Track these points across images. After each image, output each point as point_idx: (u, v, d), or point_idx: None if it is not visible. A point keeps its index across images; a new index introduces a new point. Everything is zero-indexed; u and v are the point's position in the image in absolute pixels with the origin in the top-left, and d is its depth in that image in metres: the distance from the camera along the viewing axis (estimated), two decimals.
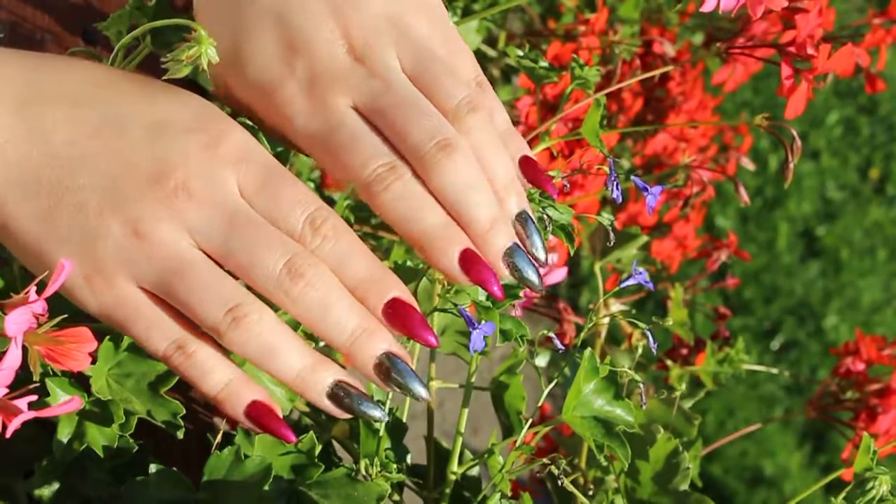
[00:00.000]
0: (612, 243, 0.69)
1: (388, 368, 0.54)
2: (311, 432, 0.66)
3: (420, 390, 0.54)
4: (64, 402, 0.46)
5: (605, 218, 0.72)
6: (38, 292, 0.47)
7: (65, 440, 0.63)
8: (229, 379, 0.54)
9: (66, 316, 0.49)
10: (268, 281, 0.52)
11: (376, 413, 0.54)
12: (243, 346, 0.53)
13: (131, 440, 0.65)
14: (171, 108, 0.54)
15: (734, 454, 2.69)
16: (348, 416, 0.55)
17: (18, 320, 0.45)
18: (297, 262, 0.52)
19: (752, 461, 2.70)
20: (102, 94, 0.54)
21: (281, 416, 0.55)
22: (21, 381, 0.47)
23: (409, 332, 0.54)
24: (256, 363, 0.53)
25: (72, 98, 0.53)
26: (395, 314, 0.54)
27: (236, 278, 0.54)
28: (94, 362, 0.63)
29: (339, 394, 0.54)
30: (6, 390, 0.45)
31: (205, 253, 0.53)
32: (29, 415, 0.44)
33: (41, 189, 0.52)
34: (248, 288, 0.54)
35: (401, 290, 0.55)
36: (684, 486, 0.75)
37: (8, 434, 0.44)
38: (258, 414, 0.54)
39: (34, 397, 0.46)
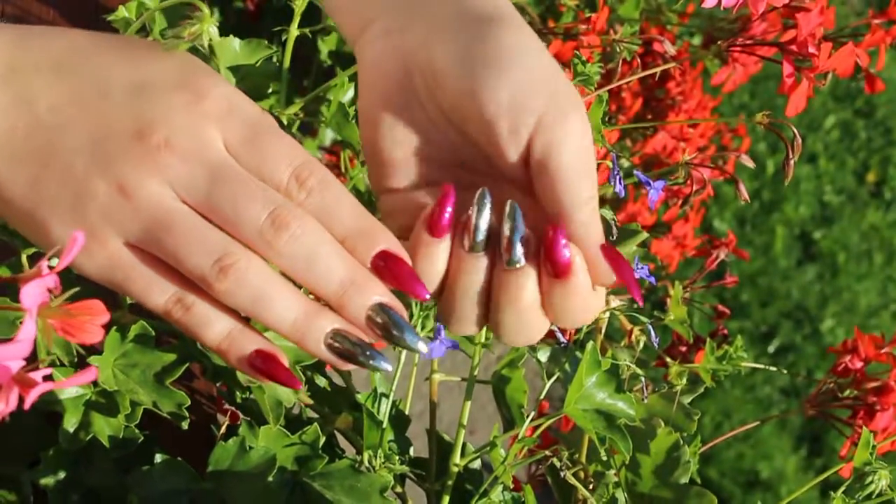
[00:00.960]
0: (614, 237, 0.70)
1: (381, 320, 0.53)
2: (315, 424, 0.66)
3: (416, 342, 0.53)
4: (79, 374, 0.46)
5: (606, 213, 0.73)
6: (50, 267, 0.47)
7: (71, 430, 0.63)
8: (229, 329, 0.53)
9: (77, 290, 0.50)
10: (252, 233, 0.52)
11: (382, 363, 0.53)
12: (233, 296, 0.52)
13: (137, 430, 0.65)
14: (154, 67, 0.54)
15: (730, 457, 2.69)
16: (350, 366, 0.54)
17: (34, 292, 0.46)
18: (280, 213, 0.52)
19: (748, 464, 2.70)
20: (86, 59, 0.54)
21: (287, 364, 0.54)
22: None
23: (400, 284, 0.53)
24: (249, 313, 0.52)
25: (56, 65, 0.53)
26: (385, 266, 0.53)
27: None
28: (100, 352, 0.63)
29: (338, 343, 0.53)
30: (23, 362, 0.45)
31: (191, 208, 0.52)
32: (45, 386, 0.44)
33: (29, 155, 0.52)
34: None
35: (390, 242, 0.54)
36: (685, 480, 0.76)
37: (26, 406, 0.44)
38: (262, 362, 0.53)
39: (49, 370, 0.46)
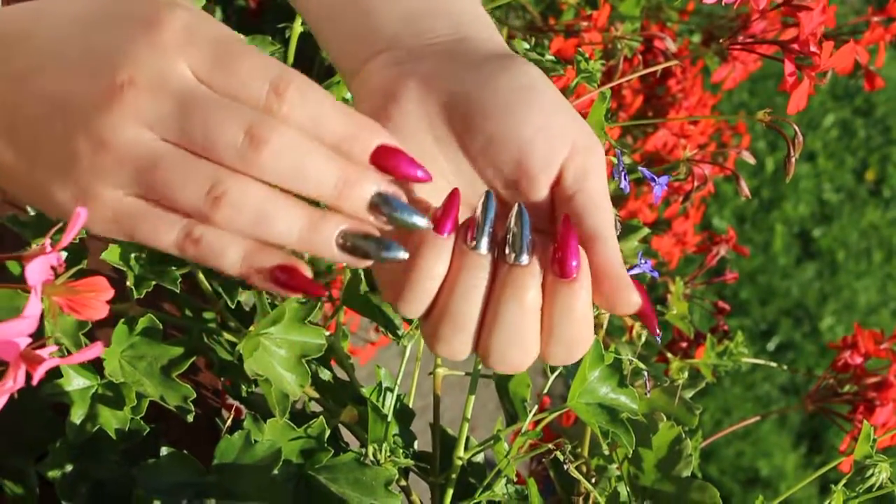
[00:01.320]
0: (617, 232, 0.70)
1: (382, 208, 0.52)
2: (321, 417, 0.67)
3: (419, 220, 0.52)
4: (85, 349, 0.47)
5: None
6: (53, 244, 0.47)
7: (78, 422, 0.64)
8: (244, 252, 0.52)
9: (82, 267, 0.50)
10: (233, 155, 0.50)
11: (399, 253, 0.52)
12: (233, 223, 0.51)
13: (143, 423, 0.66)
14: (107, 8, 0.53)
15: (730, 455, 2.70)
16: (366, 262, 0.52)
17: (38, 269, 0.46)
18: (257, 130, 0.50)
19: (748, 462, 2.71)
20: (45, 21, 0.54)
21: (308, 274, 0.53)
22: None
23: (401, 173, 0.53)
24: (254, 235, 0.51)
25: (24, 33, 0.53)
26: (384, 161, 0.52)
27: None
28: (107, 344, 0.64)
29: (350, 242, 0.52)
30: (29, 339, 0.45)
31: (172, 144, 0.51)
32: (52, 362, 0.45)
33: (17, 129, 0.52)
34: None
35: (384, 136, 0.53)
36: (687, 473, 0.76)
37: (35, 382, 0.45)
38: (285, 276, 0.52)
39: (55, 347, 0.46)
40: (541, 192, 0.57)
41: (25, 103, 0.52)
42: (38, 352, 0.45)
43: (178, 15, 0.52)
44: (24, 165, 0.52)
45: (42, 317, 0.48)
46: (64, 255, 0.49)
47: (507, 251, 0.53)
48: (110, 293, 0.49)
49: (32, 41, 0.53)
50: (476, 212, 0.54)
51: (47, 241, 0.47)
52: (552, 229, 0.57)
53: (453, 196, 0.54)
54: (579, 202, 0.56)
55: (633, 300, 0.55)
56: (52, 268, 0.48)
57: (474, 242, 0.53)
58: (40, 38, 0.53)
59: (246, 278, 0.53)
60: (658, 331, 0.56)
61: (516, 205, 0.54)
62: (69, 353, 0.60)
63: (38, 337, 0.48)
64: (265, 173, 0.51)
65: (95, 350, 0.46)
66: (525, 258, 0.53)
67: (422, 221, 0.53)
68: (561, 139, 0.57)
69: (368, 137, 0.53)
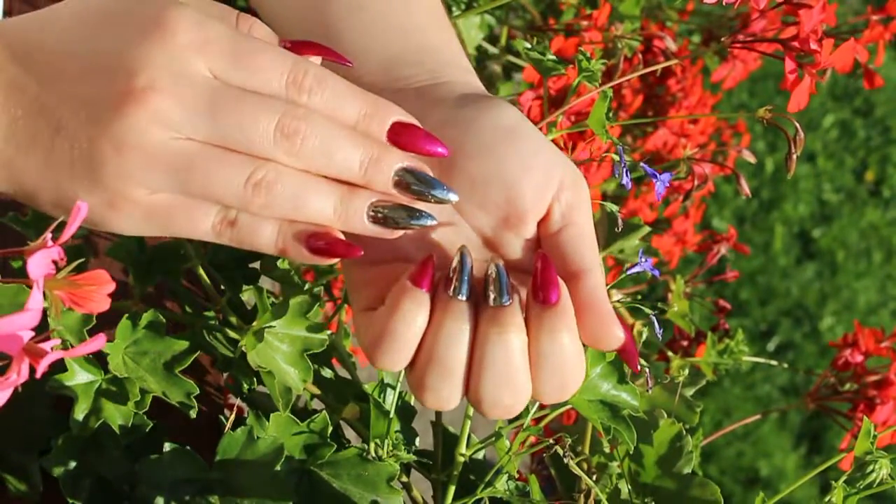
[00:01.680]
0: (619, 229, 0.71)
1: (408, 182, 0.54)
2: (324, 412, 0.67)
3: (448, 194, 0.54)
4: (88, 341, 0.47)
5: (611, 206, 0.74)
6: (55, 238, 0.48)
7: (81, 417, 0.64)
8: (278, 228, 0.54)
9: (83, 260, 0.50)
10: (266, 147, 0.53)
11: (427, 220, 0.54)
12: (272, 207, 0.53)
13: (146, 418, 0.66)
14: (120, 18, 0.54)
15: (730, 455, 2.70)
16: (399, 231, 0.55)
17: (40, 263, 0.46)
18: (286, 120, 0.53)
19: (748, 462, 2.71)
20: (56, 30, 0.54)
21: (341, 236, 0.55)
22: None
23: (418, 148, 0.54)
24: (291, 216, 0.54)
25: (35, 45, 0.54)
26: (400, 137, 0.54)
27: None
28: (111, 340, 0.64)
29: (381, 213, 0.54)
30: (32, 332, 0.45)
31: (199, 142, 0.53)
32: (55, 355, 0.45)
33: (36, 140, 0.53)
34: None
35: (399, 113, 0.55)
36: (688, 470, 0.76)
37: (38, 374, 0.45)
38: (323, 242, 0.54)
39: (58, 341, 0.46)
40: (529, 230, 0.58)
41: (45, 114, 0.53)
42: (42, 345, 0.46)
43: (188, 15, 0.53)
44: (49, 175, 0.53)
45: (46, 312, 0.48)
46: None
47: (488, 294, 0.54)
48: (111, 286, 0.49)
49: (43, 52, 0.54)
50: (453, 262, 0.55)
51: (48, 235, 0.48)
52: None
53: (428, 258, 0.55)
54: (566, 237, 0.58)
55: (617, 335, 0.55)
56: (54, 262, 0.49)
57: (453, 291, 0.54)
58: (51, 48, 0.54)
59: (283, 253, 0.54)
60: (638, 367, 0.56)
61: (492, 256, 0.56)
62: (73, 346, 0.60)
63: (44, 331, 0.49)
64: (298, 159, 0.53)
65: (98, 342, 0.47)
66: (506, 298, 0.54)
67: (448, 194, 0.54)
68: (548, 177, 0.58)
69: (384, 115, 0.55)
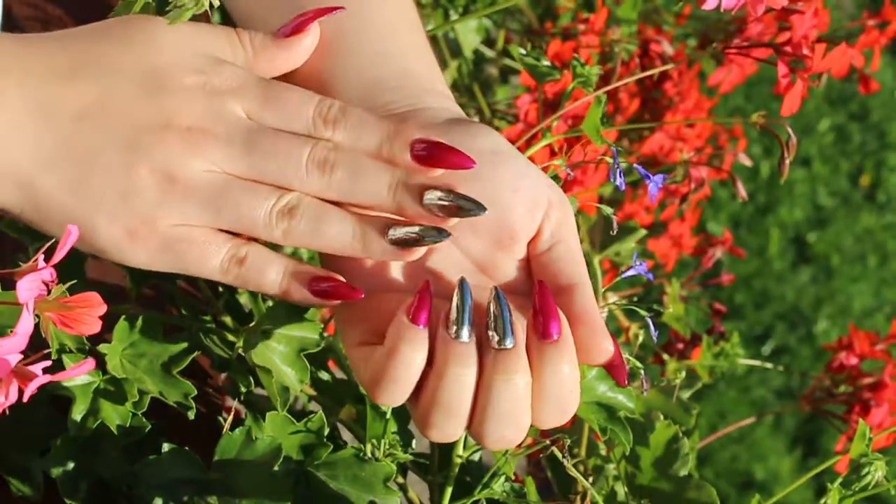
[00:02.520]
0: (614, 232, 0.71)
1: (439, 202, 0.56)
2: (321, 412, 0.67)
3: (479, 208, 0.56)
4: (77, 366, 0.48)
5: (607, 208, 0.74)
6: (46, 260, 0.48)
7: (79, 417, 0.64)
8: (284, 268, 0.57)
9: (74, 282, 0.51)
10: (300, 180, 0.55)
11: (443, 236, 0.56)
12: (293, 234, 0.56)
13: (144, 419, 0.66)
14: (160, 59, 0.56)
15: (725, 458, 2.70)
16: (419, 252, 0.56)
17: (29, 287, 0.47)
18: (317, 153, 0.56)
19: (743, 465, 2.71)
20: (94, 59, 0.56)
21: (342, 279, 0.57)
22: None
23: (444, 163, 0.56)
24: (310, 245, 0.56)
25: (68, 70, 0.55)
26: (426, 154, 0.56)
27: None
28: (109, 342, 0.64)
29: (400, 235, 0.56)
30: (21, 356, 0.46)
31: (232, 175, 0.56)
32: (44, 378, 0.46)
33: (65, 163, 0.54)
34: None
35: (419, 131, 0.57)
36: (684, 472, 0.77)
37: (25, 398, 0.46)
38: (325, 285, 0.57)
39: (48, 363, 0.47)
40: (521, 250, 0.59)
41: (78, 140, 0.54)
42: (31, 367, 0.46)
43: (226, 63, 0.57)
44: (72, 200, 0.54)
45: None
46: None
47: (490, 335, 0.54)
48: (103, 308, 0.50)
49: (83, 80, 0.55)
50: (454, 300, 0.55)
51: (40, 257, 0.48)
52: (530, 288, 0.58)
53: (424, 287, 0.55)
54: (556, 254, 0.59)
55: (606, 347, 0.56)
56: (45, 284, 0.49)
57: (456, 331, 0.54)
58: (92, 76, 0.55)
59: (285, 295, 0.57)
60: (625, 382, 0.57)
61: (493, 289, 0.55)
62: (70, 350, 0.61)
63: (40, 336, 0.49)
64: (329, 188, 0.56)
65: (87, 365, 0.48)
66: (510, 341, 0.54)
67: (479, 210, 0.56)
68: (537, 196, 0.59)
69: (406, 135, 0.57)
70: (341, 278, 0.57)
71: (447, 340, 0.54)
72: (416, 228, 0.56)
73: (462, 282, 0.55)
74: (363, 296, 0.57)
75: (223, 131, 0.55)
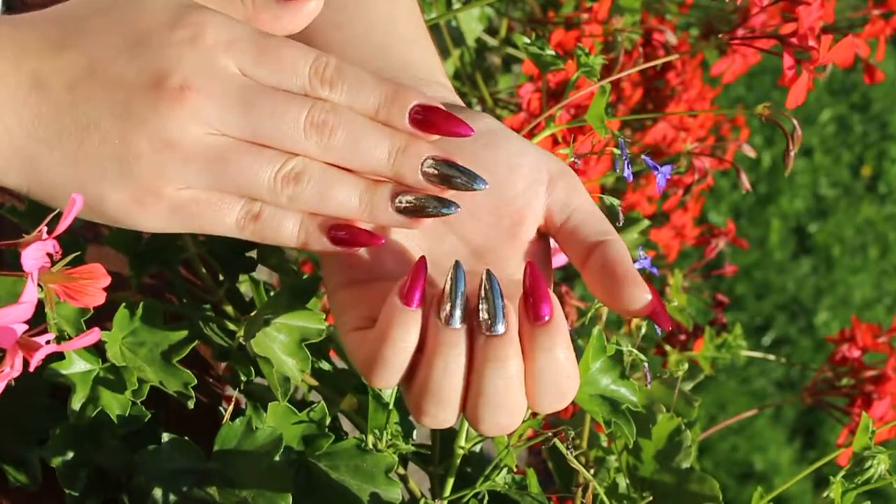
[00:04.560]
0: (620, 224, 0.70)
1: (437, 171, 0.55)
2: (322, 403, 0.67)
3: (476, 181, 0.55)
4: (83, 335, 0.47)
5: (611, 199, 0.73)
6: (50, 231, 0.48)
7: (79, 406, 0.64)
8: (300, 221, 0.55)
9: (78, 254, 0.50)
10: (297, 140, 0.54)
11: (451, 208, 0.55)
12: (300, 199, 0.54)
13: (143, 408, 0.66)
14: (145, 18, 0.55)
15: (725, 449, 2.70)
16: (425, 221, 0.56)
17: (34, 255, 0.46)
18: (315, 113, 0.54)
19: (743, 456, 2.71)
20: (81, 30, 0.55)
21: (362, 225, 0.56)
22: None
23: (442, 129, 0.55)
24: (317, 209, 0.55)
25: (57, 45, 0.54)
26: (424, 119, 0.55)
27: None
28: (109, 329, 0.64)
29: (406, 203, 0.55)
30: (26, 326, 0.45)
31: (231, 137, 0.54)
32: (49, 348, 0.45)
33: (62, 136, 0.53)
34: None
35: (420, 96, 0.55)
36: (686, 464, 0.76)
37: (31, 368, 0.45)
38: (344, 233, 0.56)
39: (52, 335, 0.46)
40: (526, 232, 0.58)
41: (73, 110, 0.53)
42: (36, 338, 0.46)
43: (217, 18, 0.55)
44: (75, 171, 0.53)
45: (43, 304, 0.48)
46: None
47: (482, 320, 0.53)
48: (107, 280, 0.49)
49: (72, 51, 0.54)
50: (446, 285, 0.54)
51: (43, 228, 0.48)
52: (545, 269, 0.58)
53: (419, 266, 0.55)
54: (576, 221, 0.58)
55: (643, 296, 0.55)
56: (49, 255, 0.48)
57: (447, 317, 0.54)
58: (80, 47, 0.54)
59: (304, 246, 0.56)
60: (669, 325, 0.56)
61: (485, 272, 0.54)
62: (70, 336, 0.60)
63: (40, 323, 0.49)
64: (328, 151, 0.54)
65: (93, 336, 0.47)
66: (501, 327, 0.53)
67: (476, 181, 0.55)
68: (536, 172, 0.59)
69: (405, 99, 0.55)
70: (360, 225, 0.56)
71: (438, 327, 0.54)
72: (428, 202, 0.55)
73: (456, 265, 0.54)
74: (383, 241, 0.56)
75: (215, 91, 0.53)
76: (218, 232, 0.55)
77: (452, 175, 0.55)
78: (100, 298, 0.49)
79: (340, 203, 0.55)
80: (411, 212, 0.55)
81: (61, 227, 0.47)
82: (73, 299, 0.49)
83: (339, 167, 0.55)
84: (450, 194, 0.55)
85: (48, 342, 0.46)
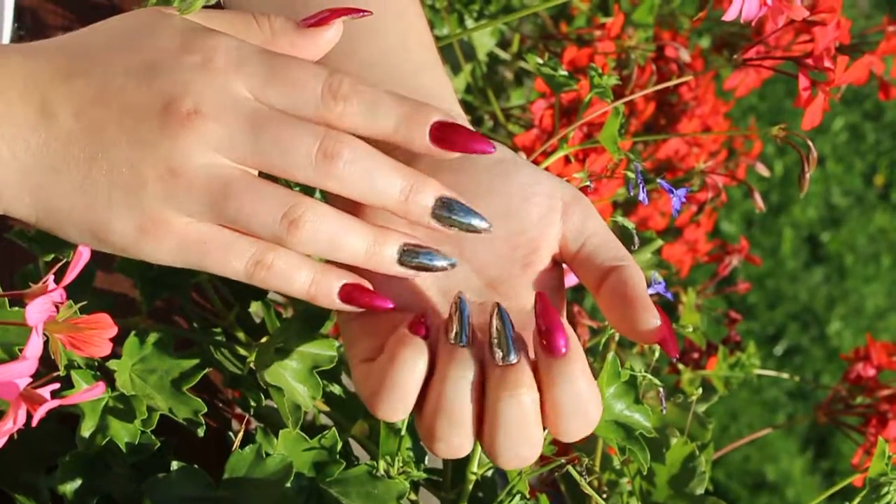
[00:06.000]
0: (636, 247, 0.70)
1: (443, 213, 0.54)
2: (334, 429, 0.66)
3: (480, 223, 0.55)
4: (87, 390, 0.47)
5: (625, 220, 0.73)
6: (57, 281, 0.47)
7: (88, 434, 0.63)
8: (313, 275, 0.55)
9: (85, 303, 0.50)
10: (307, 171, 0.53)
11: (443, 262, 0.55)
12: (307, 245, 0.53)
13: (153, 437, 0.65)
14: (154, 45, 0.54)
15: (737, 459, 2.69)
16: (424, 274, 0.56)
17: (39, 309, 0.46)
18: (328, 143, 0.53)
19: (755, 466, 2.70)
20: (90, 58, 0.54)
21: (371, 288, 0.56)
22: (42, 375, 0.47)
23: (463, 147, 0.54)
24: (325, 255, 0.54)
25: (65, 73, 0.54)
26: (444, 137, 0.54)
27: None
28: (118, 357, 0.63)
29: (408, 258, 0.55)
30: (30, 380, 0.45)
31: (241, 166, 0.53)
32: (53, 403, 0.45)
33: (70, 165, 0.53)
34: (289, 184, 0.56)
35: (439, 114, 0.55)
36: (700, 490, 0.76)
37: (34, 423, 0.45)
38: (354, 294, 0.55)
39: (56, 386, 0.46)
40: (544, 261, 0.58)
41: (80, 139, 0.53)
42: (40, 391, 0.45)
43: (225, 41, 0.54)
44: (82, 200, 0.53)
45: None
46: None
47: (493, 352, 0.53)
48: (114, 330, 0.49)
49: (81, 79, 0.53)
50: (451, 315, 0.54)
51: (50, 279, 0.47)
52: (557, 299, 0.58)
53: (424, 312, 0.55)
54: (591, 247, 0.58)
55: (653, 323, 0.55)
56: (55, 304, 0.48)
57: (454, 337, 0.54)
58: (89, 74, 0.54)
59: (313, 300, 0.55)
60: (677, 353, 0.56)
61: (494, 305, 0.54)
62: (78, 366, 0.60)
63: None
64: (341, 184, 0.53)
65: (98, 390, 0.46)
66: (513, 357, 0.53)
67: (482, 223, 0.55)
68: (551, 200, 0.59)
69: (425, 117, 0.54)
70: (369, 285, 0.56)
71: (447, 346, 0.54)
72: (429, 257, 0.56)
73: (459, 294, 0.54)
74: (391, 306, 0.56)
75: (223, 115, 0.52)
76: (224, 275, 0.54)
77: (460, 216, 0.55)
78: (106, 349, 0.49)
79: (348, 254, 0.54)
80: (411, 265, 0.55)
81: (68, 278, 0.47)
82: (79, 349, 0.48)
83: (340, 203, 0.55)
84: (451, 232, 0.55)
85: (53, 393, 0.45)
